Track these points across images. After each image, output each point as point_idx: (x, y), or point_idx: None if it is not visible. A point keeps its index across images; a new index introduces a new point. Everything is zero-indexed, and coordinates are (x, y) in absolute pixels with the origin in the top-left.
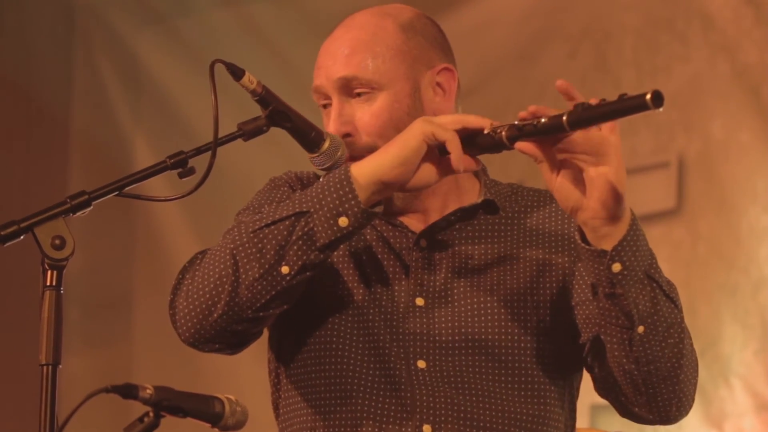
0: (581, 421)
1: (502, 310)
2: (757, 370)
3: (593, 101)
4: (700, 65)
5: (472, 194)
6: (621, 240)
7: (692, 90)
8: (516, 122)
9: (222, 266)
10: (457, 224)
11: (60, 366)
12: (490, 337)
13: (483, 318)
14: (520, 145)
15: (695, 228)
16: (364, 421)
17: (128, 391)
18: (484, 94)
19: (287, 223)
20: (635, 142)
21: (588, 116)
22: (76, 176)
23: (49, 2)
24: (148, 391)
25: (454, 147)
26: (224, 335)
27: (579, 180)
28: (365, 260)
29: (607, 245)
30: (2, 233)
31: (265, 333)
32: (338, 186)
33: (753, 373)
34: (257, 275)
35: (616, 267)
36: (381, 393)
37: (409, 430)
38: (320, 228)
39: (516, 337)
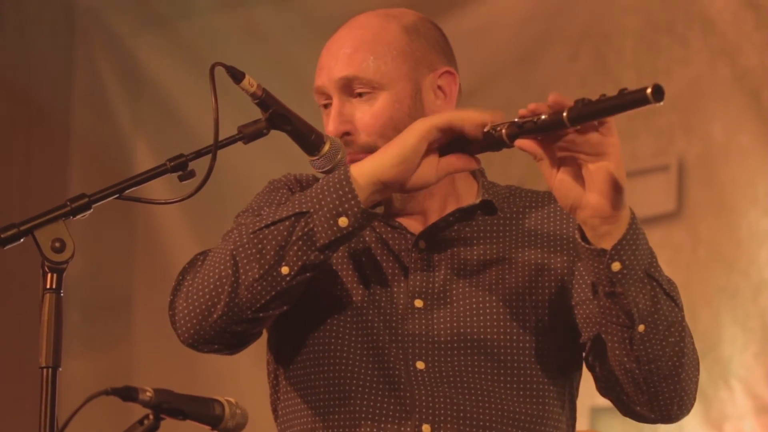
0: (581, 423)
1: (501, 311)
2: (757, 372)
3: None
4: (700, 68)
5: (470, 196)
6: (620, 239)
7: (692, 93)
8: (516, 119)
9: (222, 267)
10: (455, 225)
11: (60, 369)
12: (489, 337)
13: (482, 318)
14: (519, 142)
15: (695, 231)
16: (363, 422)
17: (128, 394)
18: (484, 96)
19: (287, 223)
20: (635, 145)
21: (588, 111)
22: (76, 178)
23: (49, 3)
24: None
25: (457, 117)
26: (224, 336)
27: (579, 177)
28: (364, 262)
29: (607, 244)
30: (2, 236)
31: (264, 335)
32: (338, 186)
33: (753, 375)
34: (257, 276)
35: (616, 266)
36: (380, 393)
37: (409, 429)
38: (320, 228)
39: (515, 337)
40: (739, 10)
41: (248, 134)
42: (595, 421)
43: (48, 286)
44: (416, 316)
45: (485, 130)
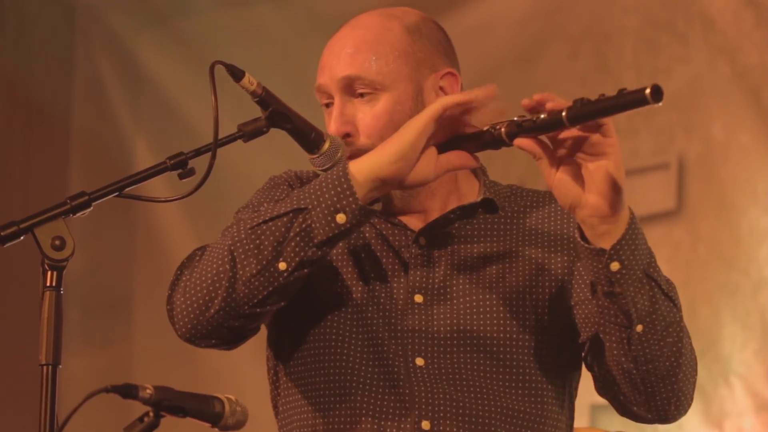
0: (581, 420)
1: (501, 308)
2: (757, 370)
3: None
4: (700, 67)
5: (471, 195)
6: (619, 239)
7: (692, 91)
8: (515, 118)
9: (220, 262)
10: (456, 222)
11: (60, 366)
12: (488, 334)
13: (481, 315)
14: (519, 141)
15: (695, 229)
16: (363, 418)
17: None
18: None
19: (285, 219)
20: (635, 144)
21: (587, 111)
22: (76, 176)
23: (49, 2)
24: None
25: (448, 98)
26: (221, 331)
27: (578, 176)
28: (364, 257)
29: (606, 244)
30: (2, 234)
31: (264, 331)
32: (336, 183)
33: (753, 373)
34: (254, 271)
35: (615, 266)
36: (380, 390)
37: (408, 426)
38: (318, 225)
39: (514, 335)
40: (739, 8)
41: (248, 132)
42: (595, 419)
43: (48, 284)
44: (416, 311)
45: (484, 129)
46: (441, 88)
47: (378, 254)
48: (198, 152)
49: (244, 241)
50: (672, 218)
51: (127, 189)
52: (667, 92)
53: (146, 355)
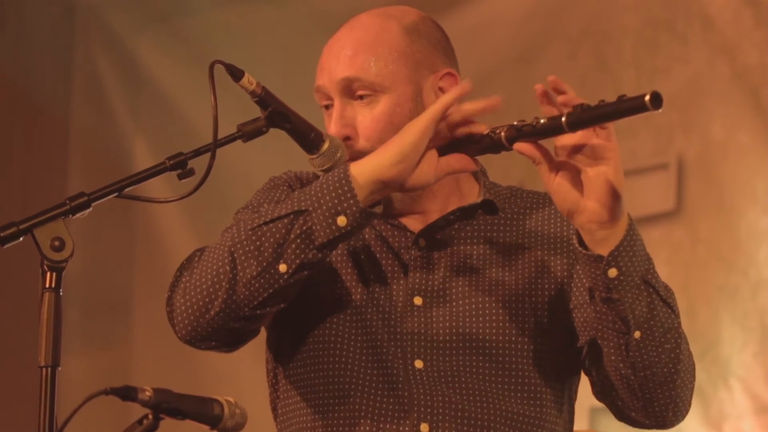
0: (580, 423)
1: (500, 311)
2: (757, 371)
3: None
4: (699, 66)
5: (472, 196)
6: (617, 245)
7: (692, 91)
8: (515, 123)
9: (220, 263)
10: (456, 224)
11: (59, 368)
12: (487, 337)
13: (481, 318)
14: (518, 146)
15: (694, 230)
16: (362, 420)
17: (127, 394)
18: (483, 95)
19: (286, 221)
20: (635, 144)
21: (587, 117)
22: (76, 176)
23: (49, 2)
24: (147, 393)
25: (447, 97)
26: (221, 333)
27: (577, 182)
28: (363, 259)
29: (604, 250)
30: (1, 235)
31: (263, 333)
32: (337, 185)
33: (752, 374)
34: (255, 273)
35: (612, 272)
36: (379, 392)
37: (407, 428)
38: (319, 227)
39: (513, 338)
40: (738, 8)
41: (247, 132)
42: (594, 422)
43: (47, 285)
44: (415, 313)
45: (484, 133)
46: (440, 89)
47: (378, 256)
48: (197, 152)
49: (245, 243)
50: (671, 219)
51: (126, 189)
52: (666, 92)
53: (145, 356)
